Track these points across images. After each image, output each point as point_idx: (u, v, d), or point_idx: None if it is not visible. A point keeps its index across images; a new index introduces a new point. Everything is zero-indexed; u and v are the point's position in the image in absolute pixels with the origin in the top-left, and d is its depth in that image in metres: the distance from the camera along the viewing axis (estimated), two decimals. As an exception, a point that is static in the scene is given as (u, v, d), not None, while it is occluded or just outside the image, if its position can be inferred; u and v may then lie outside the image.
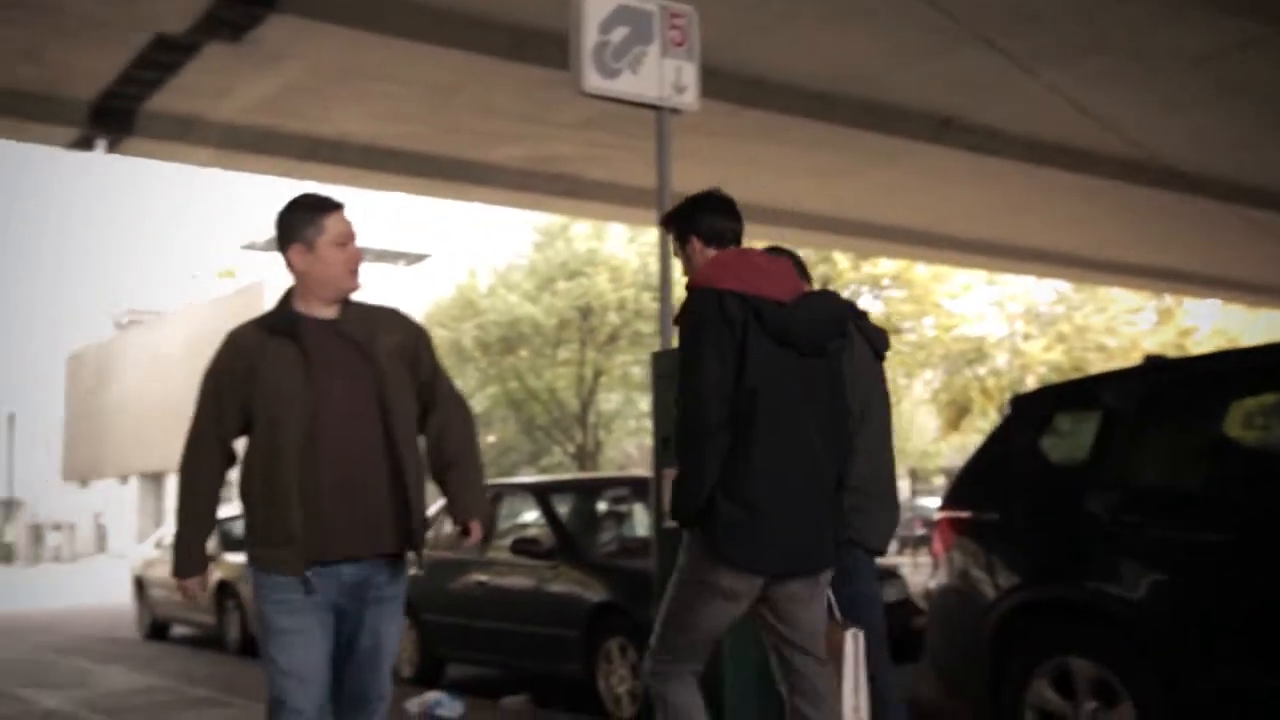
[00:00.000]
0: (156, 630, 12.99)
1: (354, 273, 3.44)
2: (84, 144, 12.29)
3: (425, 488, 3.47)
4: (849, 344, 3.85)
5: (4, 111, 11.12)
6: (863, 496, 4.03)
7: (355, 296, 3.48)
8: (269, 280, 31.76)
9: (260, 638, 3.42)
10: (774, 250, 3.95)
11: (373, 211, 36.51)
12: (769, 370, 3.37)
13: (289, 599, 3.28)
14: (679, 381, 3.42)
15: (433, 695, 6.97)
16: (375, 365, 3.37)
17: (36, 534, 51.09)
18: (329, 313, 3.41)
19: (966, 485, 5.11)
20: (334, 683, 3.38)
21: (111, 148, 12.47)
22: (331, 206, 3.41)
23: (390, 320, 3.50)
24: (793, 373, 3.43)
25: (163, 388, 37.55)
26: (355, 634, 3.38)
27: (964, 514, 4.95)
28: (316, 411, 3.28)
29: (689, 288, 3.52)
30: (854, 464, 3.82)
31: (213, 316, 34.83)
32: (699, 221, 3.69)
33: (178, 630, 13.05)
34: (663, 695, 3.56)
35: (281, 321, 3.38)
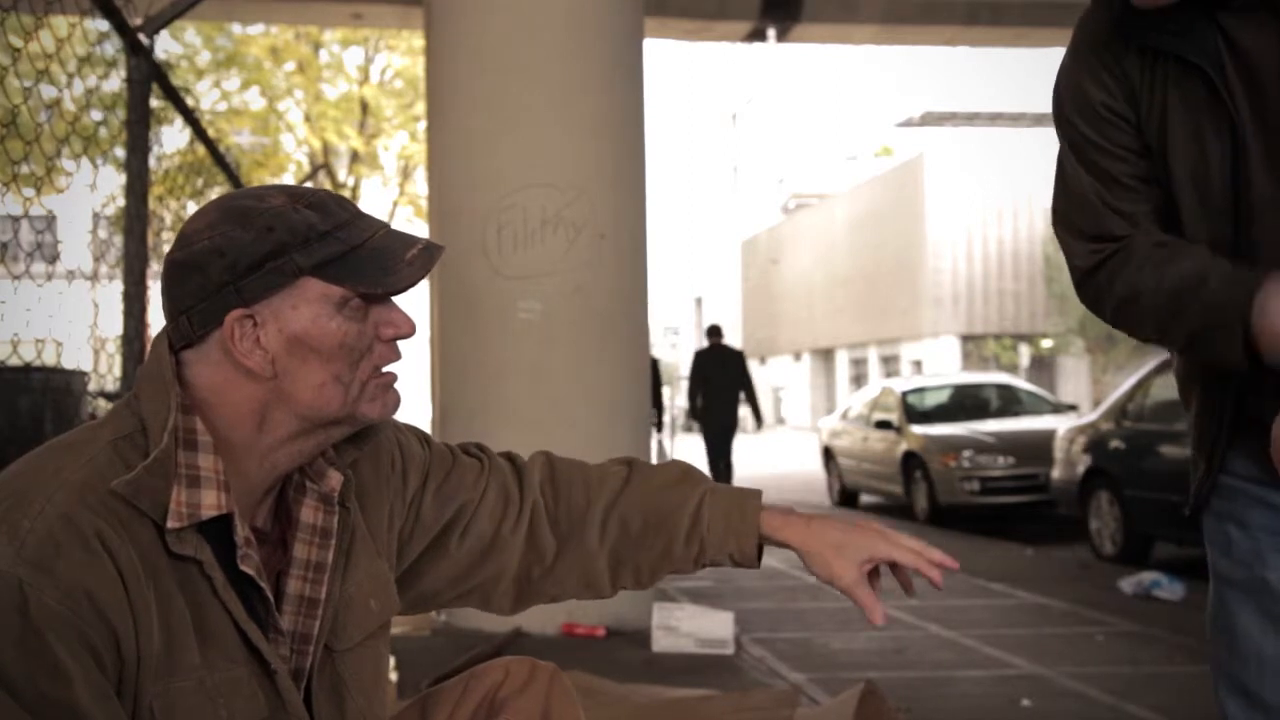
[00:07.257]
0: (846, 497, 13.60)
1: None
2: (756, 36, 12.85)
3: None
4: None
5: (688, 14, 11.89)
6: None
7: None
8: (927, 154, 31.60)
9: None
10: None
11: (1036, 71, 35.10)
12: None
13: None
14: None
15: (1149, 575, 6.59)
16: None
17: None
18: None
19: None
20: None
21: (781, 36, 12.92)
22: None
23: None
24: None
25: (827, 268, 39.09)
26: None
27: None
28: None
29: None
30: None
31: (875, 195, 35.44)
32: None
33: (865, 499, 13.59)
34: None
35: None
